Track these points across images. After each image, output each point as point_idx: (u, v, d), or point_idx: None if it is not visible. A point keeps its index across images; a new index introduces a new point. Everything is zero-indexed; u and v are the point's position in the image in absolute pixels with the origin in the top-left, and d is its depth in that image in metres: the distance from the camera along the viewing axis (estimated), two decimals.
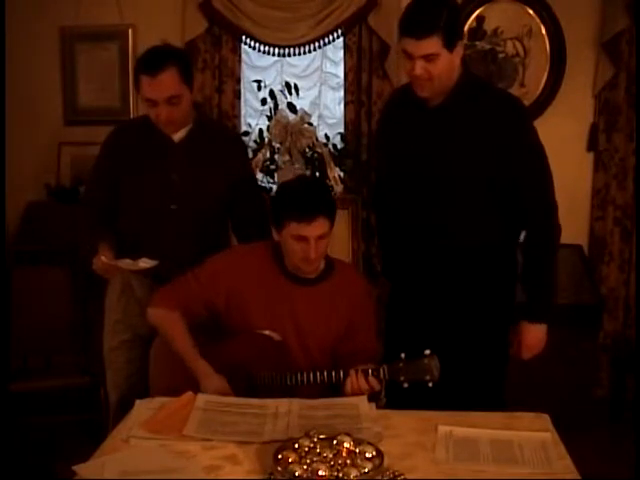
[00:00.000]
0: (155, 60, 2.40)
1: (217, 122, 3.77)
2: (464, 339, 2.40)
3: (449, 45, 2.20)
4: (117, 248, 2.51)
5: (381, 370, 2.10)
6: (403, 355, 2.08)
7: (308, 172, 3.91)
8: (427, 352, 2.06)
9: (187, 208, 2.54)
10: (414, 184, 2.39)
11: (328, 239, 2.22)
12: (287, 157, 3.96)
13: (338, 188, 3.92)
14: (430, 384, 2.05)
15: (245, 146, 3.07)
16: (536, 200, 2.36)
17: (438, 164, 2.34)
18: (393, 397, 2.24)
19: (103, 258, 2.42)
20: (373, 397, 2.11)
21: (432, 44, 2.18)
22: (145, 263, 2.41)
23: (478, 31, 4.11)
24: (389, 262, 2.61)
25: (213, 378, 2.17)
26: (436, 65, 2.21)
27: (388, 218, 2.53)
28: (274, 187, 4.03)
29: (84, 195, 2.92)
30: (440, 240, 2.38)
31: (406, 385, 2.07)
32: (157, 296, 2.35)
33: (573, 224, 4.06)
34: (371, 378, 2.10)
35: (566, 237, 3.86)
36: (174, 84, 2.40)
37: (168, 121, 2.46)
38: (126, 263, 2.42)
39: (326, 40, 4.17)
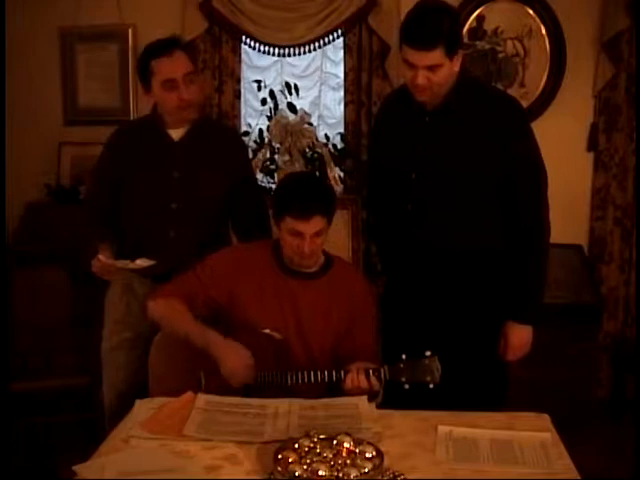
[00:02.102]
0: (166, 43, 2.50)
1: (217, 121, 3.77)
2: (463, 339, 2.40)
3: (451, 54, 2.22)
4: (118, 248, 2.52)
5: (382, 370, 2.10)
6: (404, 356, 2.08)
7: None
8: (428, 353, 2.06)
9: (187, 206, 2.55)
10: (411, 184, 2.39)
11: (324, 236, 2.24)
12: (287, 157, 3.96)
13: (338, 188, 3.93)
14: (431, 385, 2.06)
15: (245, 145, 3.07)
16: (528, 201, 2.36)
17: (435, 164, 2.35)
18: (393, 397, 2.24)
19: (101, 257, 2.42)
20: (371, 396, 2.11)
21: (435, 56, 2.20)
22: (142, 262, 2.41)
23: (478, 31, 4.11)
24: (387, 261, 2.62)
25: (232, 348, 2.15)
26: (438, 74, 2.23)
27: (384, 218, 2.53)
28: (274, 187, 4.03)
29: (85, 196, 2.93)
30: (437, 240, 2.38)
31: (407, 386, 2.07)
32: (157, 291, 2.35)
33: (573, 224, 4.08)
34: (372, 378, 2.10)
35: (566, 237, 3.93)
36: (188, 62, 2.51)
37: (190, 102, 2.48)
38: (123, 263, 2.42)
39: (326, 40, 4.17)
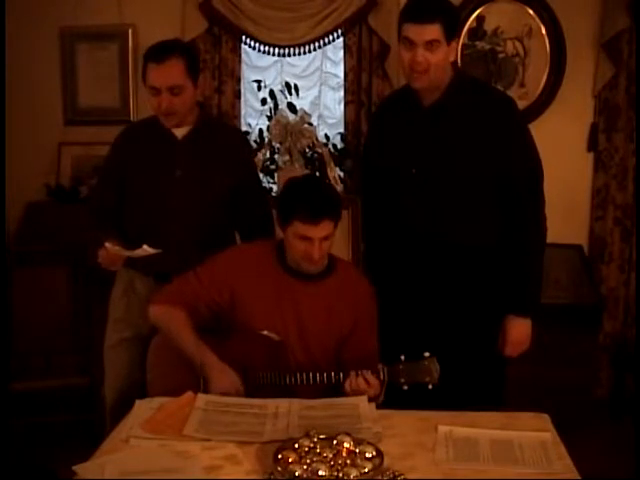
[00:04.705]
0: (163, 49, 2.48)
1: (221, 121, 3.78)
2: (461, 336, 2.41)
3: (448, 36, 2.28)
4: (122, 244, 2.52)
5: (381, 372, 2.10)
6: (402, 357, 2.08)
7: (308, 172, 3.92)
8: (427, 354, 2.07)
9: (190, 205, 2.55)
10: (407, 181, 2.40)
11: (332, 239, 2.23)
12: (287, 157, 3.97)
13: (338, 188, 3.92)
14: (430, 386, 2.06)
15: (249, 145, 3.07)
16: (525, 197, 2.38)
17: (431, 162, 2.36)
18: (393, 397, 2.24)
19: (107, 245, 2.42)
20: (372, 398, 2.11)
21: (434, 30, 2.25)
22: (148, 248, 2.40)
23: (478, 31, 4.10)
24: (376, 258, 2.62)
25: (225, 373, 2.16)
26: (435, 54, 2.27)
27: (380, 216, 2.54)
28: (274, 187, 4.03)
29: (90, 195, 2.94)
30: (436, 236, 2.39)
31: (406, 387, 2.07)
32: (159, 294, 2.35)
33: (573, 224, 4.09)
34: (371, 378, 2.09)
35: (566, 237, 3.93)
36: (178, 73, 2.46)
37: (168, 111, 2.48)
38: (130, 251, 2.42)
39: (326, 40, 4.17)
